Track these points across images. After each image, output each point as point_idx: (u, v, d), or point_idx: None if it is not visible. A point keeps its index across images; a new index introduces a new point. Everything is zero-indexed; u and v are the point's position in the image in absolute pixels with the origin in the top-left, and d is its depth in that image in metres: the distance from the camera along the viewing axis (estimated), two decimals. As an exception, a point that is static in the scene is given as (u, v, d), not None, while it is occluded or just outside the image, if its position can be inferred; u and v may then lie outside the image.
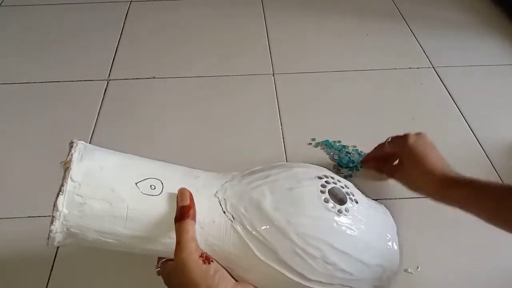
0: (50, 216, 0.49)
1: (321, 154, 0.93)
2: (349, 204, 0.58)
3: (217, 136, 0.97)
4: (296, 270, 0.54)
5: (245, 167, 0.63)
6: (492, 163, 0.91)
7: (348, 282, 0.57)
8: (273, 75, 1.14)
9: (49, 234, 0.49)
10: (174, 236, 0.51)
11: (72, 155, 0.52)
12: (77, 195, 0.50)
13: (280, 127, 0.99)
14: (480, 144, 0.95)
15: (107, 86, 1.11)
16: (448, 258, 0.76)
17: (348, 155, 0.91)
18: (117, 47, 1.24)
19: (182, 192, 0.53)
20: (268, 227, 0.54)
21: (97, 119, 1.01)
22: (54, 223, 0.49)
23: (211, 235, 0.54)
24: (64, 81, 1.13)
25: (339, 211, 0.56)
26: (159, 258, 0.58)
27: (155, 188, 0.53)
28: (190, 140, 0.97)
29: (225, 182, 0.58)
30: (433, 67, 1.16)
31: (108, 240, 0.52)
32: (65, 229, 0.50)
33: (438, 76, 1.13)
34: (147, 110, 1.04)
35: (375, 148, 0.84)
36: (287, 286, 0.55)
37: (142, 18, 1.36)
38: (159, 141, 0.96)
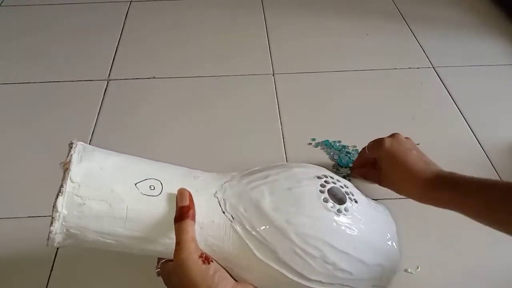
0: (50, 216, 0.49)
1: (321, 154, 0.93)
2: (348, 204, 0.58)
3: (217, 136, 0.97)
4: (296, 270, 0.54)
5: (245, 167, 0.63)
6: (492, 163, 0.91)
7: (348, 282, 0.57)
8: (273, 75, 1.14)
9: (48, 235, 0.49)
10: (174, 237, 0.51)
11: (71, 156, 0.52)
12: (77, 196, 0.50)
13: (280, 127, 0.99)
14: (480, 144, 0.95)
15: (107, 86, 1.11)
16: (448, 258, 0.76)
17: (348, 155, 0.91)
18: (117, 47, 1.24)
19: (181, 193, 0.53)
20: (267, 227, 0.54)
21: (97, 119, 1.01)
22: (53, 224, 0.49)
23: (211, 235, 0.54)
24: (64, 81, 1.13)
25: (339, 211, 0.56)
26: (159, 259, 0.58)
27: (154, 188, 0.53)
28: (190, 140, 0.97)
29: (225, 183, 0.58)
30: (433, 67, 1.16)
31: (108, 240, 0.52)
32: (64, 230, 0.50)
33: (438, 76, 1.13)
34: (147, 110, 1.04)
35: (359, 154, 0.83)
36: (287, 286, 0.55)
37: (142, 18, 1.36)
38: (159, 141, 0.96)
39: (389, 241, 0.62)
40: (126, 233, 0.52)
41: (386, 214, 0.69)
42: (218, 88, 1.11)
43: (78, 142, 0.54)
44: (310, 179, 0.59)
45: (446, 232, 0.80)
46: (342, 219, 0.56)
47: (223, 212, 0.55)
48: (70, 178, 0.50)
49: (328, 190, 0.58)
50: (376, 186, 0.80)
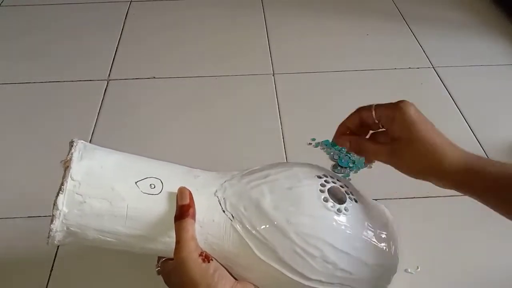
0: (50, 216, 0.49)
1: (321, 154, 0.93)
2: (348, 204, 0.58)
3: (217, 136, 0.97)
4: (296, 270, 0.54)
5: (245, 167, 0.63)
6: (492, 163, 0.91)
7: (348, 282, 0.57)
8: (273, 75, 1.14)
9: (49, 233, 0.49)
10: (174, 235, 0.51)
11: (72, 154, 0.52)
12: (77, 194, 0.50)
13: (280, 127, 0.99)
14: (480, 144, 0.95)
15: (107, 86, 1.11)
16: (448, 258, 0.76)
17: (348, 155, 0.91)
18: (117, 47, 1.24)
19: (181, 191, 0.53)
20: (267, 226, 0.54)
21: (97, 119, 1.01)
22: (54, 222, 0.49)
23: (211, 234, 0.54)
24: (64, 81, 1.13)
25: (339, 210, 0.56)
26: (159, 257, 0.58)
27: (155, 187, 0.53)
28: (189, 140, 0.97)
29: (225, 182, 0.58)
30: (433, 67, 1.16)
31: (108, 239, 0.52)
32: (65, 228, 0.50)
33: (438, 76, 1.13)
34: (147, 110, 1.04)
35: (354, 114, 0.62)
36: (287, 285, 0.55)
37: (142, 18, 1.37)
38: (159, 141, 0.96)
39: (389, 241, 0.62)
40: (126, 232, 0.52)
41: (386, 214, 0.69)
42: (218, 88, 1.11)
43: (78, 141, 0.54)
44: (310, 179, 0.59)
45: (446, 232, 0.80)
46: (342, 218, 0.56)
47: (223, 211, 0.55)
48: (70, 176, 0.50)
49: (328, 190, 0.58)
50: (377, 186, 0.80)
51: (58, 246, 0.78)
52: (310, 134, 0.97)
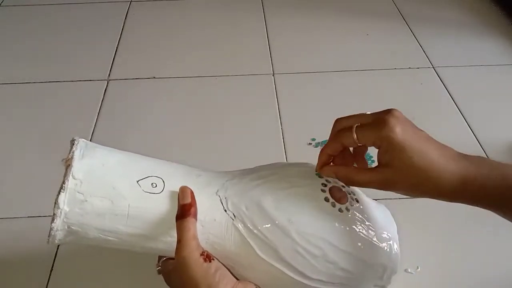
0: (50, 216, 0.49)
1: (321, 154, 0.93)
2: (349, 203, 0.58)
3: (217, 136, 0.97)
4: (297, 269, 0.54)
5: (245, 167, 0.63)
6: (492, 163, 0.91)
7: (349, 281, 0.57)
8: (273, 75, 1.14)
9: (49, 231, 0.49)
10: (175, 235, 0.51)
11: (73, 152, 0.51)
12: (78, 192, 0.50)
13: (280, 127, 0.99)
14: (480, 144, 0.95)
15: (107, 86, 1.11)
16: (448, 258, 0.76)
17: (348, 155, 0.91)
18: (117, 47, 1.24)
19: (183, 190, 0.53)
20: (269, 225, 0.54)
21: (97, 119, 1.01)
22: (55, 220, 0.49)
23: (212, 234, 0.54)
24: (64, 81, 1.13)
25: (340, 210, 0.56)
26: (160, 257, 0.58)
27: (156, 186, 0.53)
28: (189, 140, 0.97)
29: (226, 181, 0.58)
30: (433, 67, 1.16)
31: (109, 238, 0.52)
32: (66, 227, 0.50)
33: (438, 76, 1.13)
34: (147, 110, 1.04)
35: (333, 139, 0.57)
36: (288, 285, 0.55)
37: (142, 18, 1.37)
38: (159, 141, 0.96)
39: (389, 241, 0.62)
40: (127, 231, 0.52)
41: (387, 214, 0.69)
42: (218, 88, 1.11)
43: (80, 139, 0.53)
44: (311, 179, 0.59)
45: (446, 232, 0.80)
46: (343, 218, 0.56)
47: (225, 210, 0.55)
48: (72, 175, 0.50)
49: (329, 189, 0.58)
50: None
51: (58, 246, 0.78)
52: (310, 134, 0.97)
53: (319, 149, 0.93)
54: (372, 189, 0.79)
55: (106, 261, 0.75)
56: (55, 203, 0.49)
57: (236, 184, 0.58)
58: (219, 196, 0.56)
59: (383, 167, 0.53)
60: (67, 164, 0.51)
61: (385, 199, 0.83)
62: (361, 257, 0.57)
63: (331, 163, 0.58)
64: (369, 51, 1.22)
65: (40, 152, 0.94)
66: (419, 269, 0.74)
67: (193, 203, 0.52)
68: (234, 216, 0.54)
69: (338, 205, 0.57)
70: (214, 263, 0.51)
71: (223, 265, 0.53)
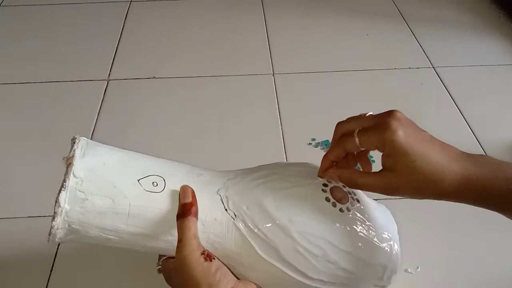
0: (50, 216, 0.49)
1: (321, 154, 0.92)
2: (350, 203, 0.58)
3: (217, 135, 0.97)
4: (298, 269, 0.54)
5: (245, 167, 0.63)
6: (492, 162, 0.91)
7: (349, 281, 0.57)
8: (273, 75, 1.14)
9: (50, 230, 0.49)
10: (176, 234, 0.51)
11: (74, 151, 0.51)
12: (79, 191, 0.50)
13: (280, 127, 0.99)
14: (480, 144, 0.95)
15: (107, 86, 1.11)
16: (448, 258, 0.76)
17: (348, 155, 0.91)
18: (117, 47, 1.24)
19: (184, 190, 0.53)
20: (270, 225, 0.54)
21: (97, 119, 1.01)
22: (55, 219, 0.49)
23: (213, 233, 0.54)
24: (64, 81, 1.13)
25: (341, 210, 0.56)
26: (160, 256, 0.58)
27: (157, 185, 0.53)
28: (189, 140, 0.97)
29: (227, 180, 0.58)
30: (433, 67, 1.16)
31: (110, 236, 0.52)
32: (66, 225, 0.50)
33: (438, 76, 1.13)
34: (147, 110, 1.04)
35: (336, 145, 0.57)
36: (289, 285, 0.55)
37: (142, 18, 1.37)
38: (158, 141, 0.96)
39: (390, 241, 0.62)
40: (128, 229, 0.52)
41: (387, 214, 0.69)
42: (218, 88, 1.11)
43: (81, 137, 0.53)
44: (312, 179, 0.59)
45: (446, 232, 0.80)
46: (344, 218, 0.56)
47: (226, 210, 0.55)
48: (73, 173, 0.50)
49: (330, 190, 0.58)
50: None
51: (58, 245, 0.78)
52: (310, 134, 0.97)
53: (319, 149, 0.94)
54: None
55: (106, 260, 0.75)
56: (56, 201, 0.49)
57: (237, 184, 0.57)
58: (220, 195, 0.56)
59: (387, 171, 0.53)
60: (68, 162, 0.51)
61: (385, 199, 0.83)
62: (362, 257, 0.57)
63: (335, 165, 0.59)
64: (369, 51, 1.22)
65: (40, 152, 0.94)
66: (419, 269, 0.74)
67: (194, 202, 0.52)
68: (235, 215, 0.54)
69: (339, 205, 0.57)
70: (215, 262, 0.51)
71: (224, 264, 0.53)
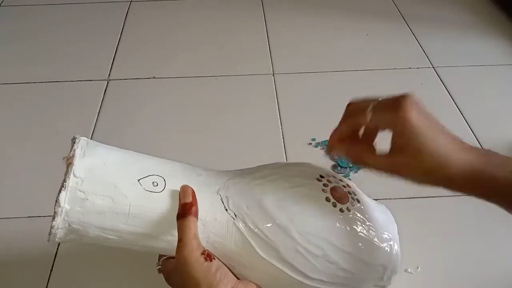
0: (50, 216, 0.49)
1: (321, 154, 0.93)
2: (350, 203, 0.58)
3: (217, 136, 0.97)
4: (298, 269, 0.54)
5: (245, 167, 0.63)
6: (493, 163, 0.91)
7: (349, 281, 0.57)
8: (273, 75, 1.14)
9: (50, 230, 0.49)
10: (176, 233, 0.51)
11: (74, 150, 0.51)
12: (80, 191, 0.50)
13: (280, 127, 0.99)
14: (480, 144, 0.95)
15: (107, 86, 1.11)
16: (448, 258, 0.76)
17: (348, 155, 0.91)
18: (117, 47, 1.24)
19: (184, 189, 0.53)
20: (270, 225, 0.54)
21: (97, 119, 1.01)
22: (55, 218, 0.49)
23: (213, 233, 0.54)
24: (64, 81, 1.13)
25: (341, 210, 0.56)
26: (160, 256, 0.58)
27: (157, 185, 0.53)
28: (189, 140, 0.97)
29: (227, 180, 0.58)
30: (433, 67, 1.16)
31: (110, 236, 0.52)
32: (66, 225, 0.50)
33: (438, 76, 1.13)
34: (147, 110, 1.04)
35: (346, 118, 0.56)
36: (289, 285, 0.55)
37: (142, 18, 1.36)
38: (158, 141, 0.96)
39: (390, 241, 0.62)
40: (128, 229, 0.52)
41: (387, 214, 0.68)
42: (218, 88, 1.11)
43: (81, 137, 0.53)
44: (312, 179, 0.59)
45: (446, 232, 0.80)
46: (344, 218, 0.56)
47: (226, 210, 0.55)
48: (73, 173, 0.50)
49: (330, 189, 0.58)
50: (377, 186, 0.80)
51: (58, 246, 0.78)
52: (310, 134, 0.97)
53: (319, 149, 0.94)
54: (372, 189, 0.80)
55: (106, 260, 0.75)
56: (56, 201, 0.49)
57: (237, 184, 0.57)
58: (220, 195, 0.56)
59: (395, 151, 0.52)
60: (68, 162, 0.51)
61: (385, 199, 0.84)
62: (362, 257, 0.57)
63: None
64: (369, 51, 1.22)
65: (40, 152, 0.94)
66: (419, 269, 0.74)
67: (194, 202, 0.52)
68: (235, 215, 0.54)
69: (339, 205, 0.57)
70: (215, 262, 0.51)
71: (224, 264, 0.53)
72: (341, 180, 0.61)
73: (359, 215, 0.58)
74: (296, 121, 1.00)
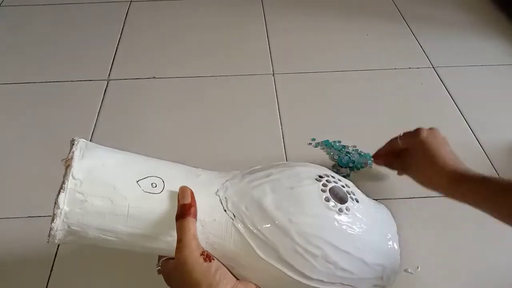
0: (50, 216, 0.49)
1: (321, 154, 0.93)
2: (350, 203, 0.58)
3: (217, 136, 0.97)
4: (297, 269, 0.54)
5: (245, 167, 0.63)
6: (492, 163, 0.91)
7: (349, 281, 0.57)
8: (273, 75, 1.14)
9: (49, 231, 0.49)
10: (175, 234, 0.51)
11: (73, 152, 0.52)
12: (78, 192, 0.50)
13: (280, 127, 0.99)
14: (480, 144, 0.95)
15: (107, 86, 1.11)
16: (448, 258, 0.76)
17: (348, 155, 0.91)
18: (117, 47, 1.24)
19: (183, 190, 0.53)
20: (269, 225, 0.54)
21: (97, 119, 1.01)
22: (55, 220, 0.49)
23: (212, 233, 0.54)
24: (64, 81, 1.13)
25: (340, 210, 0.56)
26: (160, 257, 0.58)
27: (156, 186, 0.53)
28: (189, 140, 0.97)
29: (226, 181, 0.58)
30: (433, 67, 1.16)
31: (109, 238, 0.52)
32: (66, 227, 0.50)
33: (438, 76, 1.13)
34: (147, 110, 1.04)
35: (387, 143, 0.82)
36: (288, 285, 0.55)
37: (142, 18, 1.36)
38: (158, 141, 0.96)
39: (389, 241, 0.62)
40: (127, 231, 0.52)
41: (387, 214, 0.69)
42: (218, 88, 1.11)
43: (80, 139, 0.53)
44: (311, 179, 0.59)
45: (446, 232, 0.80)
46: (343, 218, 0.56)
47: (225, 210, 0.55)
48: (72, 175, 0.50)
49: (329, 190, 0.58)
50: (377, 186, 0.80)
51: (58, 246, 0.78)
52: (310, 134, 0.97)
53: (319, 149, 0.94)
54: (372, 189, 0.80)
55: (106, 261, 0.75)
56: (55, 203, 0.49)
57: (236, 184, 0.58)
58: (219, 196, 0.56)
59: (412, 160, 0.76)
60: (67, 164, 0.51)
61: (385, 199, 0.84)
62: (361, 257, 0.57)
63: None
64: (369, 51, 1.22)
65: (40, 152, 0.94)
66: (419, 269, 0.74)
67: (193, 203, 0.52)
68: (234, 216, 0.54)
69: (338, 205, 0.57)
70: (214, 263, 0.51)
71: (223, 264, 0.53)
72: (340, 180, 0.61)
73: (358, 215, 0.58)
74: (296, 121, 1.00)
